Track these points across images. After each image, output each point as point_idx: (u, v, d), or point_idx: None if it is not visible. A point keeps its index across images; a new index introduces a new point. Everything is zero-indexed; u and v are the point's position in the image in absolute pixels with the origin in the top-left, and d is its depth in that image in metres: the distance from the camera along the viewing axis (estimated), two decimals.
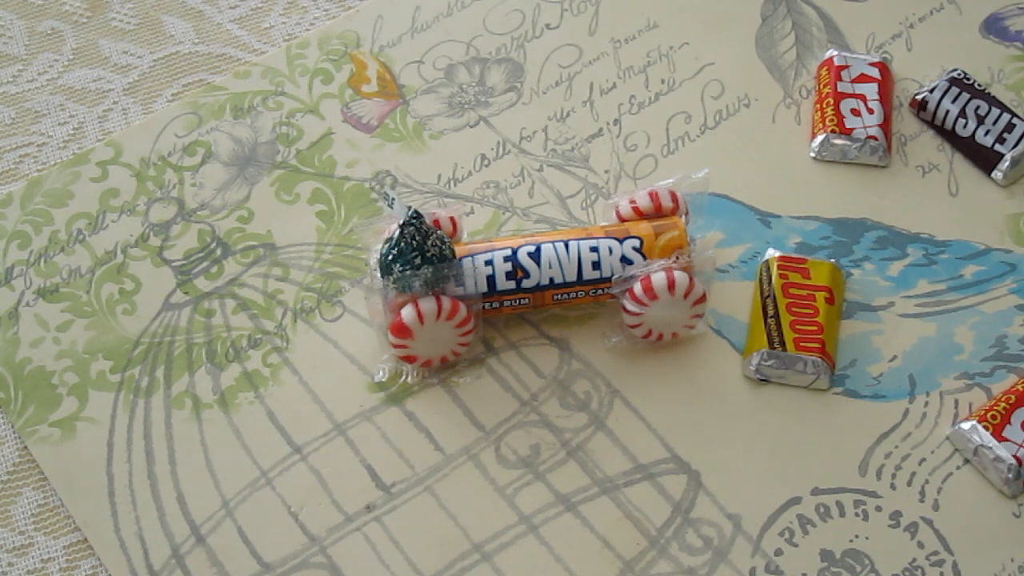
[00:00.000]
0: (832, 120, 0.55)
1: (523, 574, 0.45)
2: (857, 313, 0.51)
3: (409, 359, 0.49)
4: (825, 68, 0.57)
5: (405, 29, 0.60)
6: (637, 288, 0.47)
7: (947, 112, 0.56)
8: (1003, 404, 0.47)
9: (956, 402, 0.49)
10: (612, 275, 0.48)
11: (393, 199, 0.46)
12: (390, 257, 0.46)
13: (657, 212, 0.49)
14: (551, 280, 0.48)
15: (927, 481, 0.47)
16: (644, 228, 0.48)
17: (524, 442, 0.48)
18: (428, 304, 0.46)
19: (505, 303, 0.48)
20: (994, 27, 0.60)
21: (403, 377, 0.49)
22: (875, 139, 0.55)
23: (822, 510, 0.46)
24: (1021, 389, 0.48)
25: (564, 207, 0.54)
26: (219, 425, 0.49)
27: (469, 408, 0.49)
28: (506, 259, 0.48)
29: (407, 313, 0.46)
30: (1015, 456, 0.46)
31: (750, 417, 0.48)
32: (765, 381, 0.49)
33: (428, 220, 0.47)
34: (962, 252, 0.52)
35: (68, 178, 0.55)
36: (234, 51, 0.60)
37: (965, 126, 0.55)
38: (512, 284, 0.48)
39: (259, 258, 0.53)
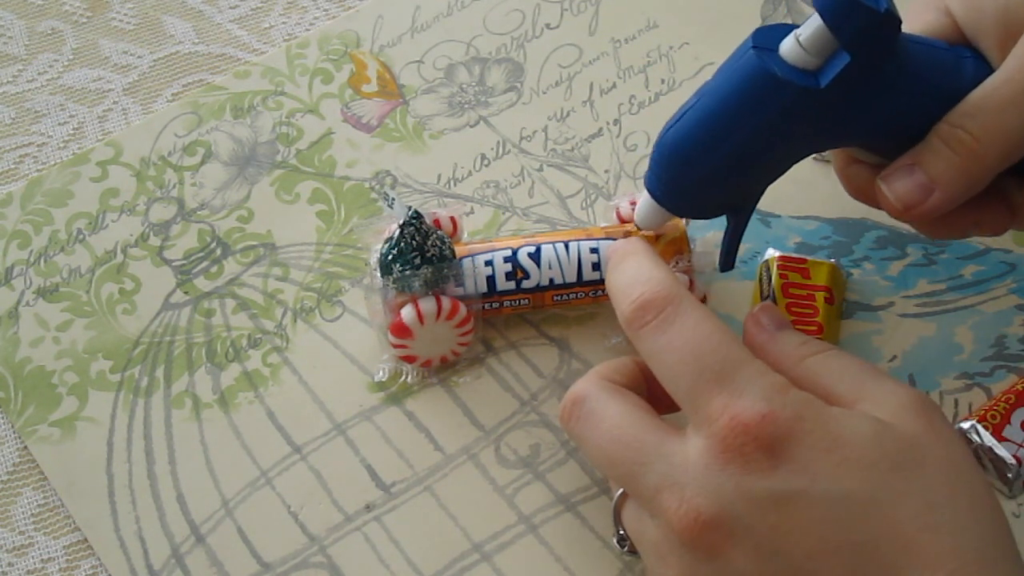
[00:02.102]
0: None
1: (523, 574, 0.45)
2: (857, 313, 0.51)
3: (409, 359, 0.49)
4: None
5: (405, 29, 0.60)
6: None
7: None
8: (1003, 404, 0.47)
9: (956, 402, 0.49)
10: None
11: (393, 199, 0.46)
12: (390, 257, 0.46)
13: None
14: (551, 281, 0.48)
15: None
16: None
17: (524, 442, 0.48)
18: (428, 304, 0.46)
19: (505, 303, 0.48)
20: None
21: (403, 377, 0.49)
22: None
23: None
24: (1021, 389, 0.48)
25: (564, 207, 0.54)
26: (219, 425, 0.49)
27: (469, 408, 0.49)
28: (506, 259, 0.48)
29: (407, 313, 0.46)
30: (1015, 456, 0.46)
31: None
32: None
33: (428, 220, 0.47)
34: (962, 252, 0.52)
35: (68, 178, 0.55)
36: (234, 51, 0.60)
37: None
38: (512, 285, 0.48)
39: (259, 258, 0.53)
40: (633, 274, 0.41)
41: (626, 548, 0.42)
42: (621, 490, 0.41)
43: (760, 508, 0.35)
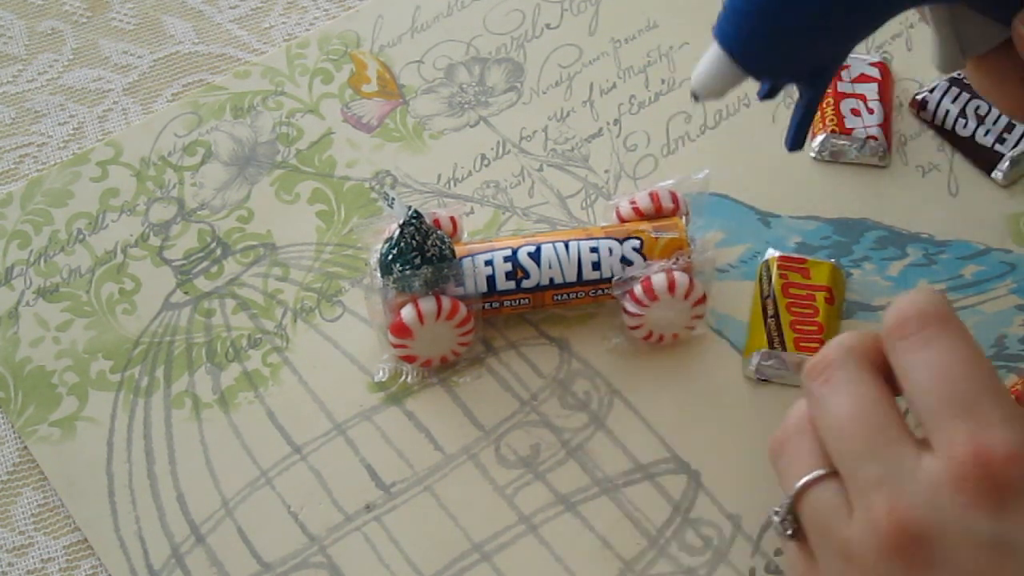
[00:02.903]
0: (832, 120, 0.55)
1: (523, 574, 0.45)
2: (857, 313, 0.51)
3: (409, 359, 0.49)
4: None
5: (405, 29, 0.60)
6: (637, 289, 0.47)
7: (947, 112, 0.56)
8: None
9: None
10: (612, 276, 0.48)
11: (393, 199, 0.46)
12: (390, 257, 0.46)
13: (657, 213, 0.49)
14: (551, 280, 0.48)
15: None
16: (644, 229, 0.48)
17: (524, 442, 0.48)
18: (428, 304, 0.46)
19: (505, 303, 0.48)
20: None
21: (403, 377, 0.49)
22: (875, 139, 0.55)
23: None
24: (1021, 389, 0.48)
25: (564, 207, 0.54)
26: (219, 425, 0.49)
27: (469, 408, 0.49)
28: (506, 259, 0.48)
29: (407, 313, 0.46)
30: None
31: (750, 417, 0.48)
32: (765, 381, 0.49)
33: (428, 220, 0.47)
34: (962, 252, 0.52)
35: (68, 178, 0.55)
36: (234, 51, 0.60)
37: (965, 126, 0.55)
38: (512, 284, 0.48)
39: (259, 258, 0.53)
40: (908, 296, 0.38)
41: (789, 532, 0.39)
42: (815, 473, 0.38)
43: (974, 547, 0.33)
